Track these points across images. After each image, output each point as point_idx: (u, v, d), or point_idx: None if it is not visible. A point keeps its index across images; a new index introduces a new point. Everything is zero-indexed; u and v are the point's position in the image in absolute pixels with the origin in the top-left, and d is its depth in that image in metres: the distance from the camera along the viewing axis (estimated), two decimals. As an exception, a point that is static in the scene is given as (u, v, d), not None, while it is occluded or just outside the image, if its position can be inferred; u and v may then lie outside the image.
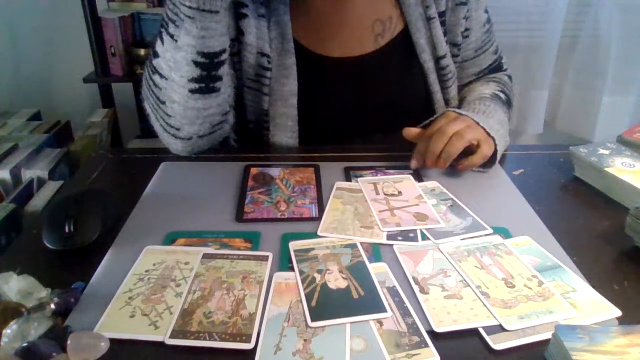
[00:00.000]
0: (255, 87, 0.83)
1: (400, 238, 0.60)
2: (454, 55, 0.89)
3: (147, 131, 1.99)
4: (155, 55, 0.70)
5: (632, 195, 0.66)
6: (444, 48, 0.85)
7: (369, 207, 0.66)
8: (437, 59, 0.86)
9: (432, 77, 0.86)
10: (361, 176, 0.74)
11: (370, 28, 0.85)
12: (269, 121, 0.84)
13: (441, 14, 0.86)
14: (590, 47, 1.79)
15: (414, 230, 0.61)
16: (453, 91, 0.90)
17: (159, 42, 0.69)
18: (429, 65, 0.86)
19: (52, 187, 1.03)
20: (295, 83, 0.82)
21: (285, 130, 0.84)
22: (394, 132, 0.78)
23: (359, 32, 0.85)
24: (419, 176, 0.74)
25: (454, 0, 0.86)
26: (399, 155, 0.80)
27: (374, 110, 0.87)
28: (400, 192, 0.69)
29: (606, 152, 0.74)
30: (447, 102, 0.91)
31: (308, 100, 0.84)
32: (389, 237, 0.60)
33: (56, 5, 1.92)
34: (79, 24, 1.73)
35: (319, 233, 0.61)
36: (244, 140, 0.91)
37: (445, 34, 0.86)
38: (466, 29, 0.88)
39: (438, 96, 0.88)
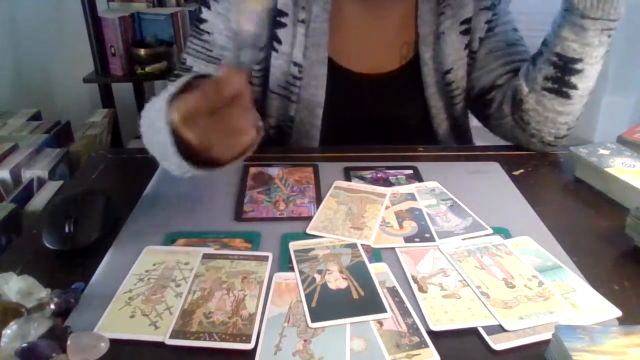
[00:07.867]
0: (284, 94, 0.84)
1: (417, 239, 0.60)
2: (469, 65, 0.86)
3: (147, 131, 1.99)
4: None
5: (632, 196, 0.66)
6: (450, 63, 0.84)
7: (363, 209, 0.66)
8: (443, 74, 0.85)
9: (431, 91, 0.86)
10: (361, 176, 0.74)
11: (399, 49, 0.86)
12: (293, 127, 0.86)
13: (466, 21, 0.83)
14: (590, 47, 1.79)
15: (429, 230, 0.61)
16: (460, 108, 0.89)
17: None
18: (427, 79, 0.86)
19: (52, 187, 1.03)
20: (323, 94, 0.83)
21: (306, 137, 0.86)
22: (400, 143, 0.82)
23: (389, 51, 0.86)
24: (418, 176, 0.74)
25: (479, 5, 0.84)
26: (399, 155, 0.80)
27: (381, 124, 0.88)
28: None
29: (606, 152, 0.74)
30: (454, 119, 0.90)
31: (331, 112, 0.85)
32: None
33: (56, 6, 1.93)
34: (79, 24, 1.73)
35: (307, 231, 0.61)
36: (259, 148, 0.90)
37: (468, 44, 0.85)
38: (489, 29, 0.84)
39: (434, 111, 0.88)
